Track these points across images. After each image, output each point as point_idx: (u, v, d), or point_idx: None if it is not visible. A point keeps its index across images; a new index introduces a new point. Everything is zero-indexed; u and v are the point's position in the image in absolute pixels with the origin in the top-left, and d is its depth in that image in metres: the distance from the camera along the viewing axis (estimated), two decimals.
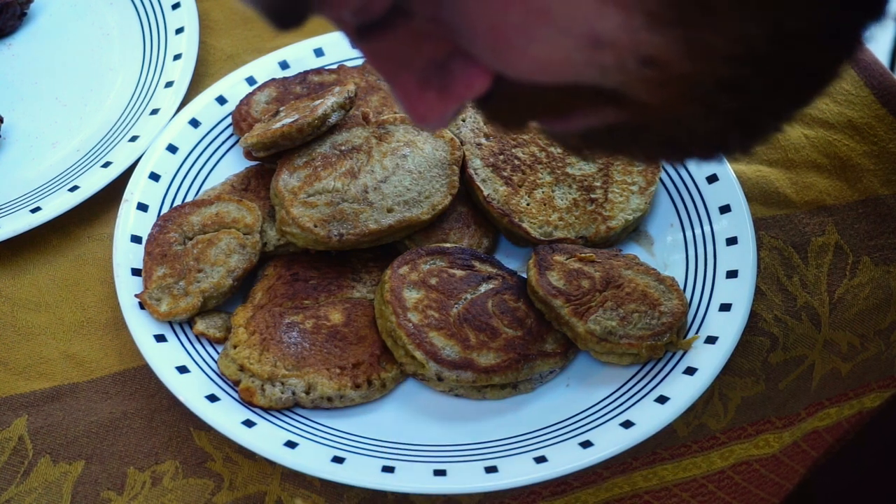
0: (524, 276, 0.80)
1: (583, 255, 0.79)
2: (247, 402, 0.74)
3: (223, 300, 0.79)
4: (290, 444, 0.71)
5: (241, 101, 0.91)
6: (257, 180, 0.86)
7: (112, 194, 0.87)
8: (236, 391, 0.74)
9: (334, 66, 0.94)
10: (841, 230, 0.86)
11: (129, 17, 1.03)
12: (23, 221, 0.85)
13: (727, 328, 0.76)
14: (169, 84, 0.95)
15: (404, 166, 0.82)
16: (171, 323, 0.78)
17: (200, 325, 0.78)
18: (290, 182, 0.81)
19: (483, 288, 0.78)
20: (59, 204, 0.86)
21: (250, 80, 0.94)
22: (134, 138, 0.90)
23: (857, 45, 0.44)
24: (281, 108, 0.87)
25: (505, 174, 0.84)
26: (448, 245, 0.81)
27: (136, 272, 0.80)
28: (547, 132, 0.53)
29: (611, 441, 0.71)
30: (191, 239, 0.81)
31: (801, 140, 0.92)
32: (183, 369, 0.75)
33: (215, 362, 0.76)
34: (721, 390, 0.78)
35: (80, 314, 0.82)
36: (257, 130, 0.83)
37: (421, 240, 0.82)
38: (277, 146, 0.82)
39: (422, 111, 0.48)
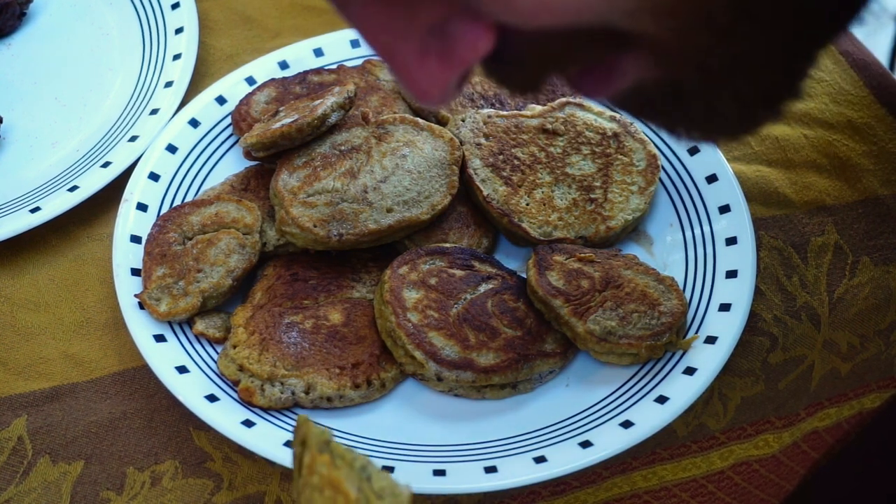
0: (524, 276, 0.80)
1: (582, 255, 0.79)
2: (246, 402, 0.74)
3: (223, 300, 0.79)
4: (290, 444, 0.71)
5: (241, 101, 0.91)
6: (257, 180, 0.86)
7: (112, 194, 0.87)
8: (236, 391, 0.74)
9: (334, 66, 0.94)
10: (841, 230, 0.86)
11: (129, 17, 1.03)
12: (22, 221, 0.85)
13: (727, 328, 0.76)
14: (168, 84, 0.95)
15: (404, 166, 0.82)
16: (170, 323, 0.78)
17: (200, 325, 0.78)
18: (289, 182, 0.81)
19: (483, 288, 0.78)
20: (58, 204, 0.86)
21: (250, 80, 0.94)
22: (133, 138, 0.90)
23: None
24: (280, 108, 0.87)
25: (505, 174, 0.84)
26: (448, 245, 0.81)
27: (135, 272, 0.80)
28: (595, 98, 0.51)
29: (610, 441, 0.71)
30: (190, 239, 0.81)
31: (801, 140, 0.92)
32: (182, 369, 0.75)
33: (215, 362, 0.76)
34: (721, 390, 0.78)
35: (80, 314, 0.82)
36: (257, 130, 0.83)
37: (421, 240, 0.82)
38: (277, 146, 0.82)
39: (424, 84, 0.45)
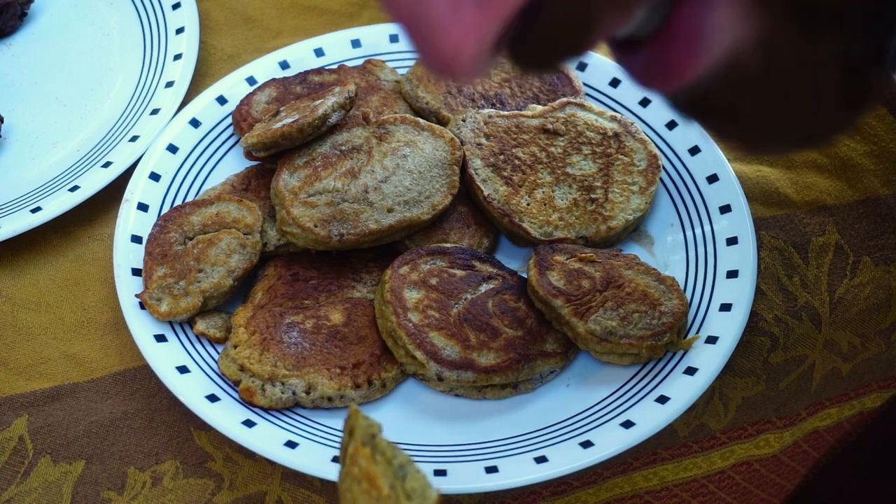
0: (524, 276, 0.80)
1: (583, 255, 0.79)
2: (247, 402, 0.74)
3: (223, 300, 0.79)
4: (290, 444, 0.71)
5: (242, 101, 0.91)
6: (257, 180, 0.86)
7: (112, 194, 0.87)
8: (236, 391, 0.74)
9: (334, 66, 0.94)
10: (841, 230, 0.86)
11: (130, 17, 1.03)
12: (23, 221, 0.85)
13: (727, 328, 0.76)
14: (169, 84, 0.95)
15: (404, 166, 0.82)
16: (171, 323, 0.78)
17: (200, 325, 0.78)
18: (290, 182, 0.81)
19: (483, 288, 0.78)
20: (59, 204, 0.86)
21: (250, 80, 0.94)
22: (134, 138, 0.90)
23: None
24: (281, 108, 0.87)
25: (505, 174, 0.84)
26: (448, 245, 0.81)
27: (136, 272, 0.80)
28: (653, 89, 0.45)
29: (611, 441, 0.71)
30: (191, 239, 0.81)
31: None
32: (183, 369, 0.75)
33: (215, 362, 0.76)
34: (721, 390, 0.78)
35: (81, 314, 0.82)
36: (257, 130, 0.83)
37: (421, 240, 0.82)
38: (277, 146, 0.82)
39: (456, 37, 0.37)
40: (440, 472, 0.70)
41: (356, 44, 0.97)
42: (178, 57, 0.97)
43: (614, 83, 0.93)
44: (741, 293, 0.78)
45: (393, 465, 0.55)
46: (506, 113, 0.88)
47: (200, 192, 0.87)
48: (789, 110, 0.43)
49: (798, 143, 0.46)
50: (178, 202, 0.86)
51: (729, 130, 0.45)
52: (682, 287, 0.80)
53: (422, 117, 0.88)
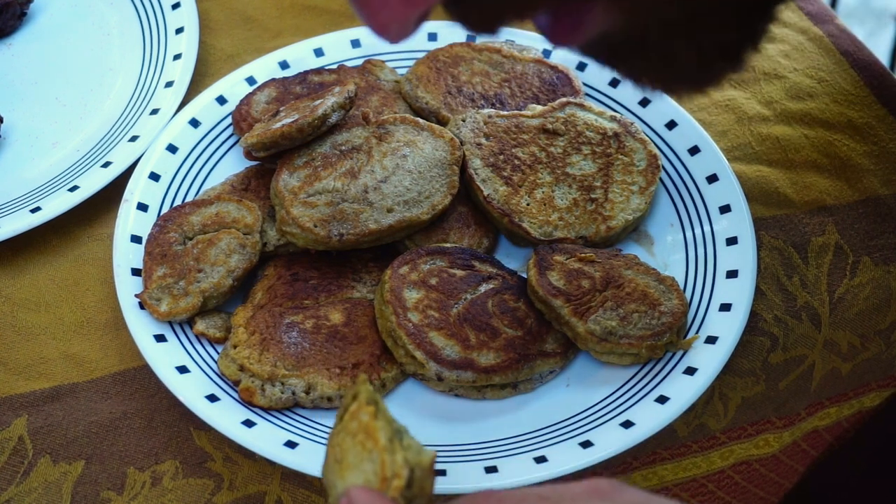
0: (524, 276, 0.80)
1: (583, 255, 0.79)
2: (247, 402, 0.74)
3: (223, 300, 0.79)
4: (290, 444, 0.71)
5: (241, 101, 0.91)
6: (257, 180, 0.86)
7: (112, 194, 0.87)
8: (236, 391, 0.74)
9: (334, 66, 0.94)
10: (841, 230, 0.86)
11: (129, 17, 1.03)
12: (23, 221, 0.85)
13: (727, 328, 0.77)
14: (169, 84, 0.95)
15: (404, 166, 0.82)
16: (171, 323, 0.78)
17: (200, 325, 0.78)
18: (290, 182, 0.81)
19: (483, 288, 0.78)
20: (59, 204, 0.86)
21: (250, 80, 0.94)
22: (134, 138, 0.90)
23: None
24: (281, 108, 0.87)
25: (505, 174, 0.84)
26: (448, 245, 0.81)
27: (136, 272, 0.80)
28: (564, 46, 0.53)
29: (611, 441, 0.71)
30: (191, 239, 0.81)
31: (801, 140, 0.92)
32: (183, 369, 0.75)
33: (215, 362, 0.76)
34: (721, 390, 0.78)
35: (80, 314, 0.82)
36: (257, 130, 0.84)
37: (421, 240, 0.82)
38: (277, 146, 0.82)
39: (383, 18, 0.46)
40: (440, 472, 0.70)
41: (356, 44, 0.97)
42: (177, 57, 0.97)
43: (614, 83, 0.93)
44: (741, 293, 0.78)
45: (392, 426, 0.56)
46: (505, 113, 0.88)
47: (200, 192, 0.87)
48: (673, 61, 0.50)
49: (691, 85, 0.54)
50: (178, 202, 0.86)
51: (635, 75, 0.52)
52: (681, 287, 0.80)
53: (421, 117, 0.88)
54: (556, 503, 0.52)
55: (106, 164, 0.89)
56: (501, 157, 0.85)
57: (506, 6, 0.48)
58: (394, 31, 0.46)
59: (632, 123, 0.88)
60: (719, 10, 0.47)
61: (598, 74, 0.94)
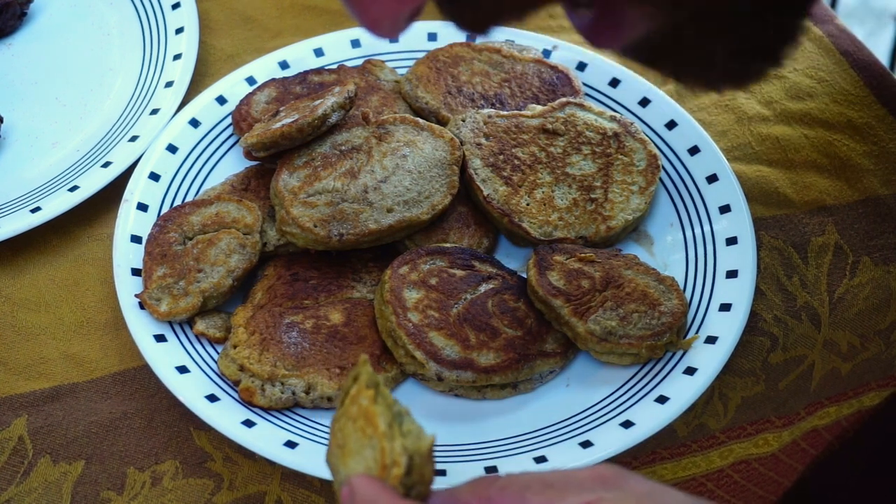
0: (524, 276, 0.80)
1: (583, 255, 0.79)
2: (247, 402, 0.74)
3: (223, 300, 0.79)
4: (290, 444, 0.71)
5: (241, 101, 0.91)
6: (257, 180, 0.86)
7: (112, 194, 0.87)
8: (236, 391, 0.74)
9: (334, 66, 0.94)
10: (841, 230, 0.86)
11: (129, 17, 1.03)
12: (23, 221, 0.85)
13: (727, 328, 0.77)
14: (169, 84, 0.95)
15: (404, 166, 0.82)
16: (171, 323, 0.78)
17: (200, 325, 0.78)
18: (290, 182, 0.81)
19: (483, 288, 0.78)
20: (59, 204, 0.86)
21: (250, 80, 0.94)
22: (134, 138, 0.90)
23: None
24: (281, 108, 0.87)
25: (505, 174, 0.84)
26: (448, 245, 0.81)
27: (136, 272, 0.80)
28: (602, 47, 0.54)
29: (611, 441, 0.71)
30: (191, 239, 0.81)
31: (801, 140, 0.92)
32: (183, 369, 0.75)
33: (215, 362, 0.77)
34: (721, 390, 0.78)
35: (80, 314, 0.82)
36: (257, 130, 0.84)
37: (421, 240, 0.82)
38: (277, 146, 0.82)
39: (374, 14, 0.46)
40: (440, 472, 0.70)
41: (356, 44, 0.97)
42: (177, 57, 0.97)
43: (614, 83, 0.93)
44: (741, 293, 0.78)
45: (392, 410, 0.56)
46: (505, 113, 0.88)
47: (200, 192, 0.87)
48: (712, 61, 0.51)
49: (731, 83, 0.56)
50: (178, 202, 0.86)
51: (675, 75, 0.54)
52: (681, 287, 0.80)
53: (421, 117, 0.88)
54: (560, 490, 0.52)
55: (106, 164, 0.89)
56: (501, 157, 0.85)
57: (498, 7, 0.48)
58: (385, 27, 0.47)
59: (632, 123, 0.88)
60: (754, 9, 0.48)
61: (598, 74, 0.94)
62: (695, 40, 0.49)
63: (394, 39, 0.96)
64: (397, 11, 0.46)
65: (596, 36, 0.50)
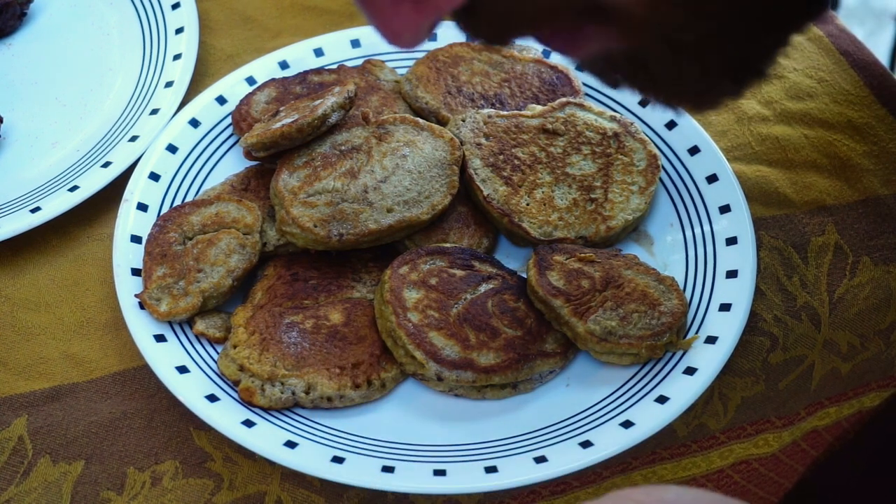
0: (524, 276, 0.80)
1: (583, 255, 0.79)
2: (247, 402, 0.74)
3: (223, 300, 0.79)
4: (290, 444, 0.71)
5: (241, 101, 0.91)
6: (257, 180, 0.86)
7: (112, 194, 0.87)
8: (236, 391, 0.74)
9: (334, 66, 0.94)
10: (841, 230, 0.86)
11: (129, 17, 1.03)
12: (23, 221, 0.85)
13: (727, 328, 0.77)
14: (169, 84, 0.95)
15: (404, 166, 0.82)
16: (170, 323, 0.78)
17: (200, 325, 0.78)
18: (289, 182, 0.81)
19: (483, 288, 0.78)
20: (58, 204, 0.86)
21: (250, 80, 0.94)
22: (134, 138, 0.90)
23: None
24: (281, 108, 0.87)
25: (505, 174, 0.84)
26: (448, 245, 0.81)
27: (136, 272, 0.80)
28: (568, 56, 0.53)
29: (611, 441, 0.71)
30: (191, 239, 0.81)
31: (801, 140, 0.92)
32: (183, 369, 0.75)
33: (215, 362, 0.77)
34: (721, 390, 0.78)
35: (80, 314, 0.82)
36: (257, 130, 0.84)
37: (421, 240, 0.82)
38: (277, 146, 0.82)
39: (396, 26, 0.46)
40: (440, 472, 0.70)
41: (356, 44, 0.97)
42: (177, 57, 0.97)
43: None
44: (741, 293, 0.78)
45: None
46: (505, 113, 0.88)
47: (200, 192, 0.87)
48: (678, 80, 0.50)
49: (690, 104, 0.55)
50: (178, 202, 0.86)
51: (636, 88, 0.53)
52: (681, 287, 0.80)
53: (421, 117, 0.88)
54: None
55: (106, 164, 0.89)
56: (501, 157, 0.85)
57: (517, 22, 0.48)
58: (406, 38, 0.47)
59: (631, 123, 0.88)
60: (732, 36, 0.47)
61: None
62: (659, 61, 0.48)
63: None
64: (419, 23, 0.46)
65: (551, 42, 0.50)
